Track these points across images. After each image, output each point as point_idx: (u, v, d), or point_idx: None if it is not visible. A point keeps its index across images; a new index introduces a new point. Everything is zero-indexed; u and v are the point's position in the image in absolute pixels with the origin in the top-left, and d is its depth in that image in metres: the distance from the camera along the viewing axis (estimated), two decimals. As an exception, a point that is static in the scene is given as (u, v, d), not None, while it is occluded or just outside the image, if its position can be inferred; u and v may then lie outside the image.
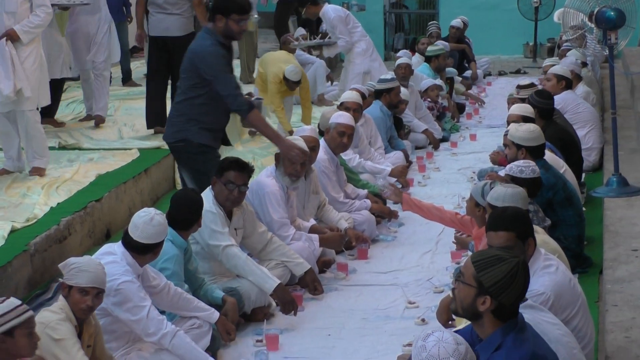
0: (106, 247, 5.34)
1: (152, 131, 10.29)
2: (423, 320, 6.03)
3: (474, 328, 3.81)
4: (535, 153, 6.72)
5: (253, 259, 6.30)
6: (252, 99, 9.22)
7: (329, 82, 14.25)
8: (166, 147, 7.31)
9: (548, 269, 4.67)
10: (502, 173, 6.68)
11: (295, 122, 11.27)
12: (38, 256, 6.66)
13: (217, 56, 6.58)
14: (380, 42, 19.21)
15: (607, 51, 7.96)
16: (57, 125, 10.44)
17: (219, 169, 6.22)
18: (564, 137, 8.21)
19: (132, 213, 5.42)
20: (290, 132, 9.90)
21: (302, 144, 6.84)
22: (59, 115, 10.92)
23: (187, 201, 5.76)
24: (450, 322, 5.27)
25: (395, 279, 6.95)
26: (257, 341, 5.77)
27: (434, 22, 16.64)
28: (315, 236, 6.98)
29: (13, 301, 4.14)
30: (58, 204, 7.58)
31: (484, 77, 16.85)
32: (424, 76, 12.49)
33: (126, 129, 10.63)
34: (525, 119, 7.55)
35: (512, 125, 7.04)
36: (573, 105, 9.73)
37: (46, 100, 8.56)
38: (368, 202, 8.06)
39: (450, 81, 13.57)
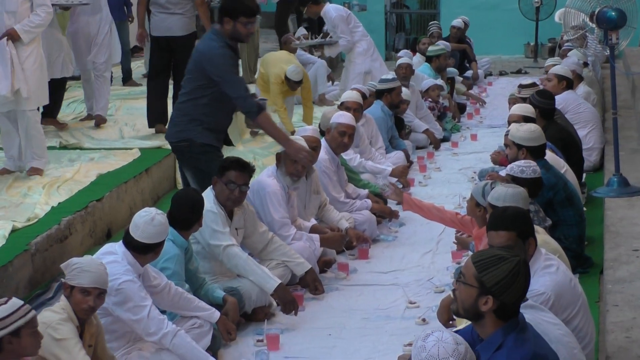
0: (107, 246, 5.34)
1: (153, 131, 10.29)
2: (424, 320, 6.03)
3: (474, 328, 3.81)
4: (536, 153, 6.72)
5: (254, 259, 6.30)
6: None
7: (330, 82, 14.25)
8: (167, 146, 7.32)
9: (549, 269, 4.67)
10: (503, 173, 6.68)
11: (296, 121, 11.28)
12: (39, 256, 6.66)
13: (225, 58, 6.58)
14: (381, 42, 19.23)
15: (608, 51, 7.96)
16: (60, 126, 10.43)
17: (220, 168, 6.22)
18: (565, 137, 8.21)
19: (133, 213, 5.42)
20: (293, 132, 9.91)
21: (303, 144, 6.86)
22: (60, 115, 10.91)
23: (188, 201, 5.77)
24: (450, 322, 5.27)
25: (396, 279, 6.95)
26: (258, 341, 5.77)
27: (435, 22, 16.65)
28: (316, 236, 6.98)
29: (16, 302, 4.15)
30: (59, 203, 7.58)
31: (485, 77, 16.86)
32: (424, 76, 12.50)
33: (127, 128, 10.63)
34: (526, 119, 7.55)
35: (513, 125, 7.04)
36: (574, 105, 9.74)
37: (44, 100, 8.56)
38: (369, 202, 8.06)
39: (451, 81, 13.58)
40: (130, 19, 14.02)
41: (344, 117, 8.07)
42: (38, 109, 8.41)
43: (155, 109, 10.30)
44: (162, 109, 10.24)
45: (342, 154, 8.22)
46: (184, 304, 5.46)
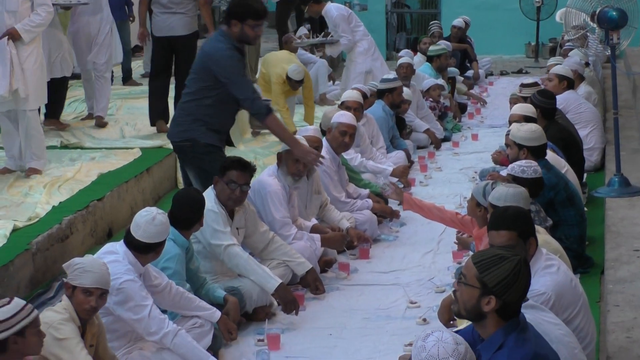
0: (108, 246, 5.34)
1: (154, 130, 10.30)
2: (424, 320, 6.03)
3: (475, 328, 3.81)
4: (537, 153, 6.72)
5: (255, 259, 6.30)
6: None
7: (331, 81, 14.25)
8: (168, 146, 7.31)
9: (549, 269, 4.67)
10: (503, 173, 6.68)
11: (297, 121, 11.27)
12: (40, 255, 6.66)
13: (232, 60, 6.57)
14: (382, 41, 19.22)
15: (609, 51, 7.96)
16: (62, 126, 10.42)
17: (221, 168, 6.22)
18: (566, 137, 8.21)
19: (134, 212, 5.43)
20: (294, 132, 9.91)
21: (304, 144, 6.87)
22: (61, 114, 10.90)
23: (189, 200, 5.77)
24: (451, 322, 5.26)
25: (396, 278, 6.95)
26: (259, 340, 5.78)
27: (436, 21, 16.64)
28: (317, 236, 6.98)
29: (19, 302, 4.15)
30: (60, 203, 7.58)
31: (486, 77, 16.86)
32: (425, 76, 12.49)
33: (128, 128, 10.63)
34: (527, 119, 7.55)
35: (514, 125, 7.04)
36: (575, 105, 9.73)
37: (43, 100, 8.56)
38: (370, 201, 8.06)
39: (452, 81, 13.57)
40: (131, 18, 14.02)
41: (345, 117, 8.07)
42: (39, 110, 8.40)
43: (156, 108, 10.31)
44: (164, 108, 10.25)
45: (343, 154, 8.22)
46: (184, 304, 5.46)
